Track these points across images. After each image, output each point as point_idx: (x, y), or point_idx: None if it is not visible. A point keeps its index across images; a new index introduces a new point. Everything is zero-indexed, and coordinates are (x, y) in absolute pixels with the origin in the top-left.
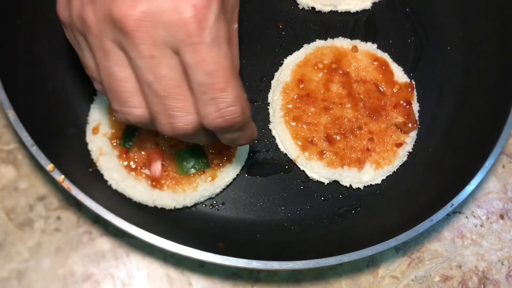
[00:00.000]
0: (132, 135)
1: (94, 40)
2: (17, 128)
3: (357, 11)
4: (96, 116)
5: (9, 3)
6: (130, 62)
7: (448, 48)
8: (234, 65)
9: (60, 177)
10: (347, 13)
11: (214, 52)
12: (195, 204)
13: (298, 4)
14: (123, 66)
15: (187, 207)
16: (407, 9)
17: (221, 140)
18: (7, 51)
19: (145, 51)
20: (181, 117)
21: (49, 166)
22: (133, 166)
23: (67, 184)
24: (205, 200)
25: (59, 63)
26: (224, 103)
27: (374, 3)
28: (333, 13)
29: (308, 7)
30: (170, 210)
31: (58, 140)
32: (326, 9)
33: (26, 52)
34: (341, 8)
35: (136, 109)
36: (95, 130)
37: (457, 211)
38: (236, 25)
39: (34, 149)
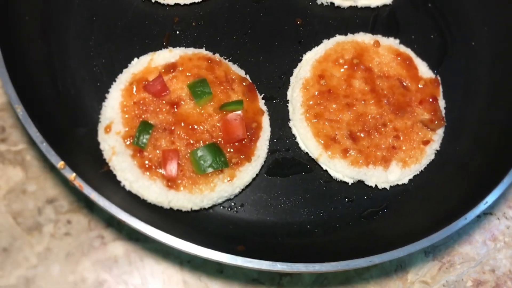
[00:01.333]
0: (146, 133)
1: None
2: (26, 124)
3: (377, 6)
4: (108, 114)
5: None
6: None
7: (473, 43)
8: None
9: (71, 175)
10: (367, 8)
11: None
12: (213, 206)
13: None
14: None
15: (204, 208)
16: (429, 4)
17: None
18: (16, 47)
19: None
20: None
21: (60, 163)
22: (148, 166)
23: (79, 182)
24: (223, 202)
25: (69, 62)
26: None
27: None
28: (353, 8)
29: (327, 3)
30: (187, 212)
31: (68, 140)
32: (345, 4)
33: (35, 49)
34: (361, 3)
35: None
36: (108, 129)
37: (488, 213)
38: None
39: (44, 146)
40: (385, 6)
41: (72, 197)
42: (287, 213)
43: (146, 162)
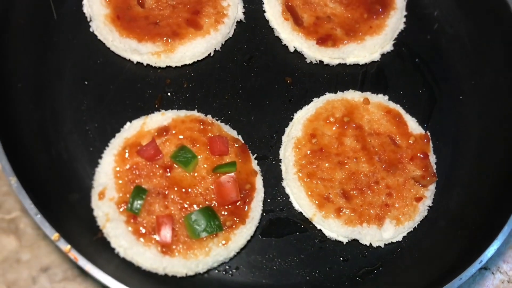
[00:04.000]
0: (140, 199)
1: None
2: (20, 196)
3: (365, 63)
4: (101, 180)
5: (9, 65)
6: None
7: (461, 97)
8: None
9: (66, 247)
10: (356, 65)
11: None
12: (208, 270)
13: (305, 58)
14: None
15: (199, 273)
16: (416, 60)
17: None
18: (9, 115)
19: None
20: None
21: (55, 236)
22: (142, 232)
23: (74, 254)
24: (219, 265)
25: (61, 127)
26: None
27: (382, 55)
28: (341, 66)
29: (316, 61)
30: (182, 277)
31: (62, 207)
32: (334, 62)
33: (28, 116)
34: (350, 60)
35: None
36: (101, 195)
37: (482, 267)
38: None
39: (38, 218)
40: (373, 62)
41: (66, 265)
42: (282, 274)
43: (141, 228)
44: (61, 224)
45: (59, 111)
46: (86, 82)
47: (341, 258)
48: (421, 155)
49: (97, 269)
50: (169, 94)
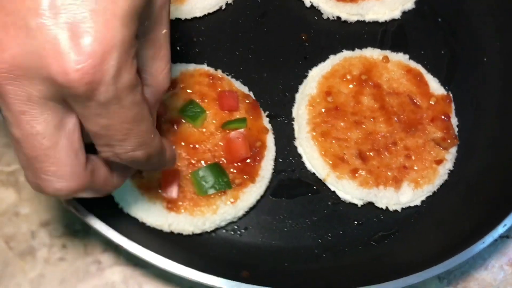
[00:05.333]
0: None
1: None
2: None
3: (385, 21)
4: None
5: None
6: None
7: (485, 59)
8: (148, 101)
9: None
10: (375, 23)
11: (110, 109)
12: (215, 229)
13: (322, 14)
14: None
15: (206, 232)
16: (439, 19)
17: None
18: None
19: (14, 106)
20: (52, 182)
21: None
22: (147, 187)
23: (74, 205)
24: (226, 225)
25: None
26: (123, 150)
27: (403, 12)
28: (360, 23)
29: (333, 17)
30: (188, 235)
31: None
32: (353, 18)
33: None
34: (369, 17)
35: None
36: None
37: (504, 236)
38: (164, 30)
39: None
40: (393, 20)
41: (67, 220)
42: (293, 236)
43: (146, 183)
44: None
45: None
46: None
47: (355, 222)
48: (442, 117)
49: (98, 221)
50: (177, 48)
